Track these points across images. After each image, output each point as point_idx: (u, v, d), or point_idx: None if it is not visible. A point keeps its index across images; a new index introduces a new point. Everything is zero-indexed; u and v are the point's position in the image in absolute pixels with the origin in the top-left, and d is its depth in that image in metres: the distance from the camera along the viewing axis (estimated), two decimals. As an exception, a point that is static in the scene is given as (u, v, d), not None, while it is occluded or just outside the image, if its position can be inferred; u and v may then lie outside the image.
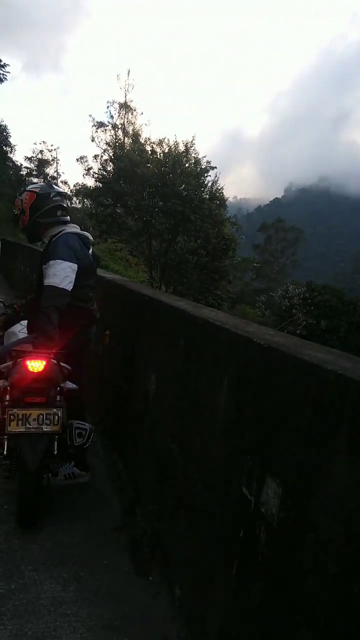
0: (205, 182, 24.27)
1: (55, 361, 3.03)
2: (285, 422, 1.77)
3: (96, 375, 4.54)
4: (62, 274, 3.19)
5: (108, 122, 42.40)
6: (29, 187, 3.59)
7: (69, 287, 3.20)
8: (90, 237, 3.61)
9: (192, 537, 2.43)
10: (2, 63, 54.48)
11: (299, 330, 31.93)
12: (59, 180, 75.07)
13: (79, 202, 48.55)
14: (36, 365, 2.94)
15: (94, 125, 42.57)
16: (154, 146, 24.71)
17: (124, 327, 4.15)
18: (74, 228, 3.51)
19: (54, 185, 3.69)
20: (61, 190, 3.62)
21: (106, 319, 4.12)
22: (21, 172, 72.80)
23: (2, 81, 54.91)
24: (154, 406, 3.25)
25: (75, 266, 3.26)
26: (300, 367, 1.72)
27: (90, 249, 3.59)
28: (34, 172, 73.72)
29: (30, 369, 2.94)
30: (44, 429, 2.93)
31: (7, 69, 49.48)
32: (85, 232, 3.58)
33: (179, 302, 3.33)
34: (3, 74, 57.48)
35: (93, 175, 34.74)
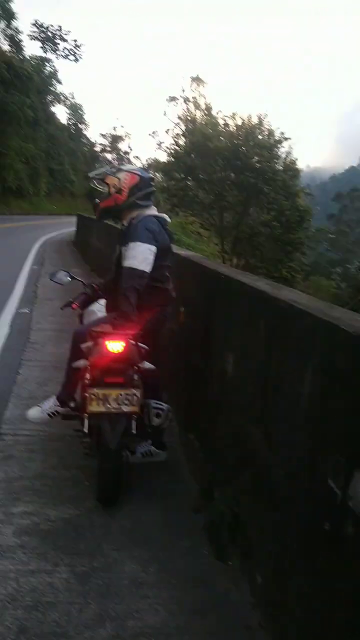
0: (279, 153, 23.69)
1: (133, 342, 3.06)
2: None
3: (172, 353, 4.54)
4: (141, 256, 3.21)
5: (180, 96, 41.99)
6: (125, 167, 3.59)
7: (148, 269, 3.22)
8: (168, 219, 3.61)
9: (273, 525, 2.39)
10: (78, 43, 55.08)
11: (377, 303, 30.94)
12: (131, 155, 75.65)
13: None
14: (115, 346, 2.98)
15: (166, 99, 42.25)
16: (227, 119, 24.30)
17: (199, 305, 4.11)
18: (153, 210, 3.51)
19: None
20: (151, 175, 3.64)
21: (181, 296, 4.09)
22: (95, 149, 73.95)
23: (78, 60, 55.58)
24: (232, 387, 3.21)
25: (154, 248, 3.28)
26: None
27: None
28: (108, 148, 74.76)
29: (110, 350, 2.98)
30: (123, 409, 2.97)
31: (82, 49, 49.71)
32: (164, 214, 3.58)
33: (257, 282, 3.24)
34: (79, 54, 58.14)
35: (165, 150, 34.65)
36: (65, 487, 3.29)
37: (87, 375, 3.05)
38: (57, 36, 59.69)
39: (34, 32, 58.25)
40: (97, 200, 3.57)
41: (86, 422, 3.05)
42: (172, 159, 27.39)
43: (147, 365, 3.14)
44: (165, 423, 3.27)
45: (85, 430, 3.06)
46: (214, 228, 26.07)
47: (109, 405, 2.96)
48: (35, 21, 59.10)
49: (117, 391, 2.97)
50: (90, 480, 3.30)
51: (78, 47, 61.10)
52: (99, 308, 3.86)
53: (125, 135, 74.06)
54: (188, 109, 40.46)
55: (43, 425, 3.83)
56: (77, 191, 62.43)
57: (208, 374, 3.66)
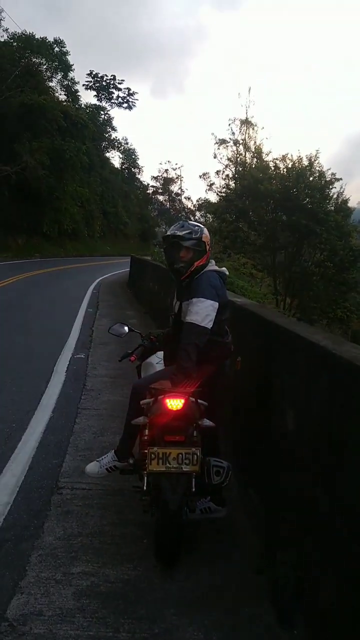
0: (330, 194, 23.67)
1: (193, 399, 3.04)
2: None
3: (229, 405, 4.49)
4: (204, 312, 3.23)
5: (230, 138, 42.76)
6: (201, 224, 3.61)
7: (209, 325, 3.23)
8: (227, 272, 3.63)
9: (344, 595, 2.28)
10: (131, 91, 57.56)
11: None
12: (182, 197, 77.07)
13: (202, 217, 49.36)
14: (175, 403, 2.97)
15: (216, 143, 43.14)
16: (277, 162, 24.54)
17: (257, 356, 4.07)
18: (213, 265, 3.53)
19: None
20: None
21: (237, 345, 4.07)
22: (148, 191, 75.87)
23: (132, 108, 57.96)
24: (293, 443, 3.13)
25: (216, 304, 3.29)
26: None
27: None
28: (160, 190, 76.56)
29: (170, 407, 2.97)
30: (184, 469, 2.94)
31: (135, 96, 51.88)
32: (223, 268, 3.59)
33: (316, 334, 3.18)
34: (132, 102, 60.65)
35: (216, 192, 35.20)
36: (124, 544, 3.25)
37: (147, 433, 3.04)
38: (111, 85, 62.60)
39: (89, 81, 61.23)
40: (180, 263, 3.43)
41: (145, 479, 3.03)
42: (223, 201, 27.75)
43: (207, 422, 3.12)
44: (226, 481, 3.21)
45: (145, 487, 3.04)
46: (267, 269, 26.05)
47: (169, 465, 2.93)
48: (91, 71, 62.20)
49: (177, 450, 2.95)
50: (148, 537, 3.25)
51: (131, 95, 63.75)
52: (157, 361, 3.87)
53: (177, 177, 75.67)
54: (238, 151, 41.22)
55: (101, 479, 3.83)
56: (130, 232, 64.01)
57: (268, 428, 3.60)
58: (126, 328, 4.17)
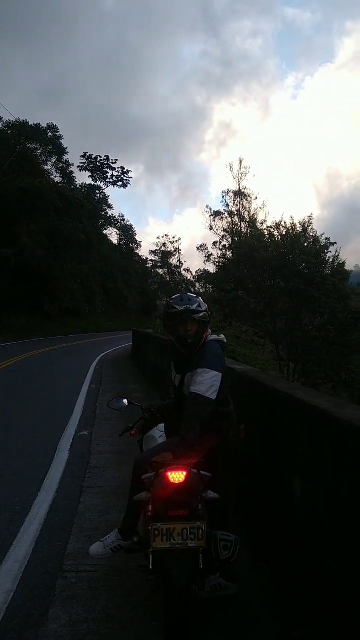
0: (326, 258, 24.11)
1: (195, 470, 2.98)
2: None
3: (235, 475, 4.40)
4: (208, 382, 3.23)
5: (224, 210, 43.97)
6: (197, 299, 3.59)
7: (214, 396, 3.23)
8: (225, 340, 3.65)
9: None
10: (125, 170, 60.05)
11: None
12: (181, 269, 78.46)
13: (202, 288, 50.05)
14: (177, 476, 2.90)
15: (211, 215, 44.34)
16: (272, 230, 25.16)
17: (260, 423, 4.02)
18: (212, 335, 3.55)
19: None
20: None
21: (239, 413, 4.03)
22: (147, 265, 77.33)
23: (126, 186, 60.16)
24: (302, 513, 3.05)
25: (220, 375, 3.31)
26: None
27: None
28: (159, 264, 78.02)
29: (172, 481, 2.90)
30: (189, 545, 2.83)
31: (129, 174, 53.92)
32: (222, 336, 3.62)
33: (318, 398, 3.16)
34: (127, 180, 63.06)
35: (214, 262, 35.88)
36: (131, 628, 3.10)
37: (150, 509, 2.95)
38: (105, 165, 65.17)
39: (83, 162, 63.81)
40: (191, 337, 3.41)
41: (151, 558, 2.91)
42: (221, 271, 28.23)
43: (211, 494, 3.03)
44: (234, 556, 3.09)
45: (151, 566, 2.91)
46: (268, 335, 26.14)
47: (173, 541, 2.82)
48: (85, 153, 65.01)
49: (182, 525, 2.85)
50: (157, 620, 3.11)
51: (125, 173, 66.25)
52: (159, 434, 3.82)
53: (175, 250, 77.23)
54: (233, 222, 42.25)
55: (107, 560, 3.70)
56: (131, 307, 64.74)
57: (275, 498, 3.51)
58: (125, 401, 4.14)
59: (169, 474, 2.91)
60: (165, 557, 2.85)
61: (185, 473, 2.91)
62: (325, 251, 24.05)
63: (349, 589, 2.31)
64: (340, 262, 24.87)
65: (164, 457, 3.12)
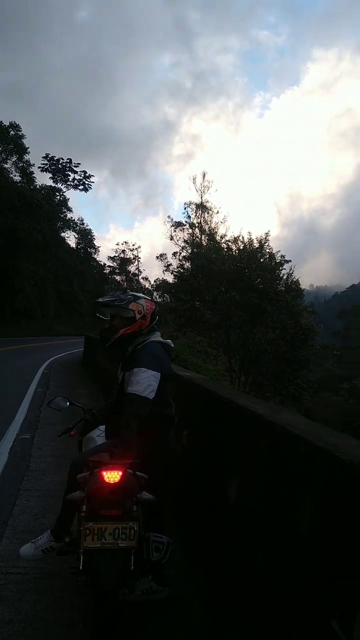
0: (281, 275, 24.53)
1: (131, 471, 2.95)
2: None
3: (175, 478, 4.40)
4: (145, 382, 3.22)
5: (185, 221, 44.25)
6: (141, 295, 3.63)
7: (151, 395, 3.22)
8: (172, 345, 3.65)
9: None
10: (87, 174, 59.71)
11: (388, 420, 30.49)
12: (140, 277, 78.38)
13: (159, 297, 50.09)
14: (112, 475, 2.88)
15: (172, 225, 44.51)
16: (230, 244, 25.45)
17: (202, 428, 4.05)
18: (158, 336, 3.55)
19: None
20: None
21: (184, 418, 4.04)
22: (104, 271, 76.80)
23: (88, 190, 59.80)
24: (238, 514, 3.07)
25: (158, 375, 3.29)
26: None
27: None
28: (117, 270, 77.61)
29: (107, 480, 2.88)
30: (120, 545, 2.81)
31: (92, 179, 53.62)
32: (168, 340, 3.62)
33: (257, 405, 3.21)
34: (89, 184, 62.71)
35: (172, 272, 36.00)
36: (58, 630, 3.06)
37: (84, 509, 2.91)
38: (67, 168, 64.54)
39: (45, 164, 63.04)
40: (106, 331, 3.52)
41: (81, 558, 2.86)
42: (179, 281, 28.34)
43: (147, 495, 3.02)
44: (165, 558, 3.08)
45: (81, 567, 2.86)
46: (222, 347, 26.34)
47: (104, 541, 2.79)
48: (47, 154, 64.31)
49: (114, 525, 2.82)
50: (85, 622, 3.06)
51: (87, 177, 65.76)
52: (99, 434, 3.79)
53: (134, 258, 77.07)
54: (194, 233, 42.53)
55: (38, 561, 3.62)
56: (85, 311, 64.05)
57: (213, 500, 3.53)
58: (67, 402, 4.09)
59: (104, 473, 2.88)
60: (95, 557, 2.82)
61: (120, 473, 2.89)
62: (280, 268, 24.49)
63: (277, 586, 2.34)
64: (294, 279, 25.34)
65: (101, 456, 3.09)
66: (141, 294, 3.71)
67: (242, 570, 2.82)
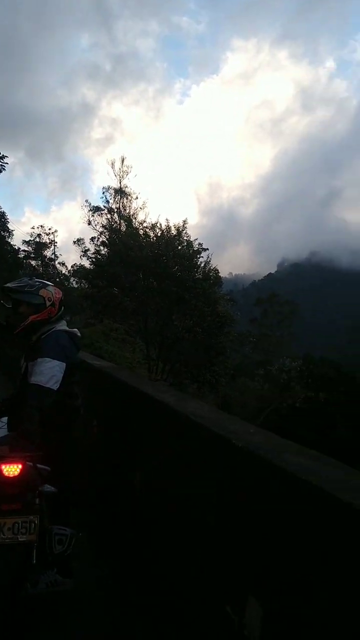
0: (198, 263, 24.75)
1: (32, 463, 2.89)
2: (268, 538, 1.65)
3: (84, 469, 4.37)
4: (49, 372, 3.11)
5: (104, 206, 43.60)
6: (48, 282, 3.51)
7: (55, 386, 3.11)
8: (78, 334, 3.57)
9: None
10: (1, 155, 57.37)
11: (298, 403, 31.72)
12: (56, 262, 76.63)
13: (76, 283, 49.23)
14: (11, 469, 2.80)
15: (90, 210, 43.73)
16: (147, 230, 25.34)
17: (112, 418, 4.04)
18: (64, 325, 3.47)
19: None
20: None
21: (94, 409, 4.01)
22: (19, 255, 74.46)
23: (0, 172, 57.50)
24: (143, 504, 3.10)
25: (63, 365, 3.19)
26: (280, 477, 1.62)
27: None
28: (32, 255, 75.42)
29: (6, 474, 2.79)
30: (20, 539, 2.75)
31: (5, 160, 51.73)
32: (75, 329, 3.54)
33: (164, 394, 3.24)
34: (2, 165, 60.32)
35: (89, 258, 35.48)
36: None
37: None
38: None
39: None
40: (13, 317, 3.38)
41: None
42: (95, 267, 27.98)
43: (49, 488, 2.96)
44: (68, 550, 3.04)
45: None
46: (139, 334, 26.32)
47: (3, 536, 2.73)
48: None
49: (13, 519, 2.76)
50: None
51: (1, 158, 63.31)
52: (1, 426, 3.68)
53: (50, 243, 75.23)
54: (112, 219, 42.02)
55: None
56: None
57: (120, 490, 3.54)
58: None
59: (3, 467, 2.80)
60: None
61: (20, 466, 2.82)
62: (198, 256, 24.69)
63: (176, 574, 2.38)
64: (212, 267, 25.64)
65: (1, 450, 3.00)
66: (48, 282, 3.62)
67: (146, 561, 2.85)
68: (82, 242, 51.95)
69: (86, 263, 40.00)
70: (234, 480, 1.96)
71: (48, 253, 77.71)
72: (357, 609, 1.23)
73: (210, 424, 2.29)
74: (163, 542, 2.64)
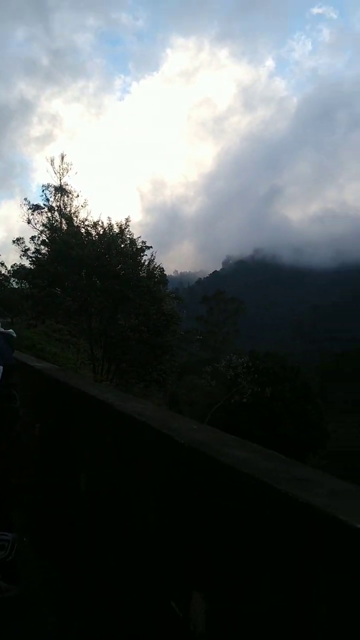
0: (142, 261, 24.69)
1: None
2: (210, 533, 1.64)
3: (27, 472, 4.27)
4: None
5: (44, 204, 42.87)
6: None
7: None
8: (14, 335, 3.48)
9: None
10: None
11: (246, 398, 32.14)
12: (-5, 262, 74.98)
13: (16, 284, 48.30)
14: None
15: (30, 208, 42.89)
16: (89, 228, 25.06)
17: (54, 420, 3.97)
18: None
19: None
20: None
21: (37, 411, 3.92)
22: None
23: None
24: (88, 505, 3.06)
25: (1, 368, 3.11)
26: (221, 471, 1.62)
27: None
28: (-31, 255, 73.41)
29: None
30: None
31: None
32: (10, 330, 3.45)
33: (107, 394, 3.20)
34: None
35: (29, 258, 34.85)
36: None
37: None
38: None
39: None
40: None
41: None
42: (36, 267, 27.52)
43: None
44: (10, 555, 2.97)
45: None
46: (83, 334, 26.04)
47: None
48: None
49: None
50: None
51: None
52: None
53: (-10, 243, 73.46)
54: (53, 217, 41.36)
55: None
56: None
57: (64, 492, 3.48)
58: None
59: None
60: None
61: None
62: (142, 254, 24.60)
63: (123, 573, 2.36)
64: (157, 265, 25.63)
65: None
66: None
67: (91, 564, 2.81)
68: (21, 241, 50.92)
69: (26, 263, 39.21)
70: (177, 476, 1.96)
71: (-13, 253, 75.99)
72: (297, 598, 1.24)
73: (154, 422, 2.27)
74: (109, 542, 2.61)
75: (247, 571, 1.43)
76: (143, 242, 24.59)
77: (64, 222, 34.96)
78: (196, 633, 1.67)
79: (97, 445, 2.98)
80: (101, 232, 24.15)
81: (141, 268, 24.34)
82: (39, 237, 41.36)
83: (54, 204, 42.41)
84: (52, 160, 45.14)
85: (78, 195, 42.47)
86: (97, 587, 2.67)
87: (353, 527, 1.09)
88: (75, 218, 31.22)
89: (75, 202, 41.91)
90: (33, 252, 32.89)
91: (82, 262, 22.89)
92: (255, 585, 1.39)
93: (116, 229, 24.00)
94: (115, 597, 2.46)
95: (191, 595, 1.72)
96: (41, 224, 41.80)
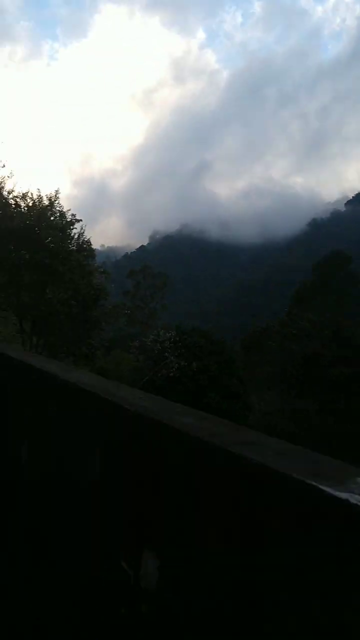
0: (72, 234, 24.31)
1: None
2: (158, 493, 1.76)
3: None
4: None
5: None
6: None
7: None
8: None
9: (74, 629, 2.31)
10: None
11: (172, 372, 32.52)
12: None
13: None
14: None
15: None
16: (18, 200, 24.36)
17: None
18: None
19: None
20: None
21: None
22: None
23: None
24: (29, 475, 3.09)
25: None
26: (173, 437, 1.72)
27: None
28: None
29: None
30: None
31: None
32: None
33: (49, 364, 3.23)
34: None
35: None
36: None
37: None
38: None
39: None
40: None
41: None
42: None
43: None
44: None
45: None
46: (12, 308, 25.45)
47: None
48: None
49: None
50: None
51: None
52: None
53: None
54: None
55: None
56: None
57: (3, 462, 3.49)
58: None
59: None
60: None
61: None
62: (71, 227, 24.24)
63: (70, 541, 2.44)
64: (86, 239, 25.32)
65: None
66: None
67: (37, 532, 2.87)
68: None
69: None
70: (124, 443, 2.05)
71: None
72: (242, 549, 1.37)
73: (100, 391, 2.34)
74: (54, 510, 2.68)
75: (196, 527, 1.55)
76: (73, 215, 24.26)
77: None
78: (148, 590, 1.78)
79: (41, 415, 3.01)
80: (30, 204, 23.57)
81: (71, 241, 24.02)
82: None
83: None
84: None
85: (4, 166, 41.04)
86: (45, 557, 2.74)
87: (303, 483, 1.22)
88: (2, 189, 30.18)
89: (1, 173, 40.50)
90: None
91: (11, 234, 22.32)
92: (203, 539, 1.52)
93: (46, 201, 23.50)
94: (64, 567, 2.54)
95: (142, 553, 1.83)
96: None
